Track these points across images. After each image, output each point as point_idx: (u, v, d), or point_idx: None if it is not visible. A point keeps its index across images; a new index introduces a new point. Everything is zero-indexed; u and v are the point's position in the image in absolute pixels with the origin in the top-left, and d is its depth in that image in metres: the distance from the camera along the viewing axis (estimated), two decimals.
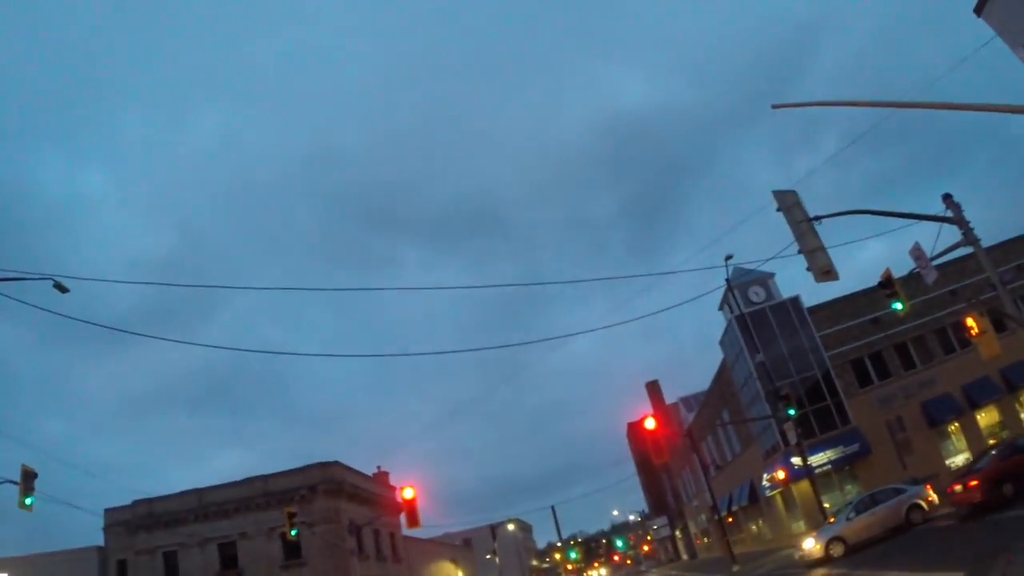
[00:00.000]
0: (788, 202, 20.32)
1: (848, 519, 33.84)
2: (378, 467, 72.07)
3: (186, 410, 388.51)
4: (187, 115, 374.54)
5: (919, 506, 33.15)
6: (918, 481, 38.11)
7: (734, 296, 52.78)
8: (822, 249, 19.71)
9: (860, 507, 34.31)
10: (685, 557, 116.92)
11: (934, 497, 33.65)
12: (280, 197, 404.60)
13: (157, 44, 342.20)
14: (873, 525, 33.43)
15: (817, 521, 42.39)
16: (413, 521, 37.48)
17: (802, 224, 19.90)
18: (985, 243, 23.01)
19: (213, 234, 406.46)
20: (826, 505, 44.96)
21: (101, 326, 23.69)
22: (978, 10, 19.33)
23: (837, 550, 32.65)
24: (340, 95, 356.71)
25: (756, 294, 55.59)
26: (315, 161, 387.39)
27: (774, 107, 20.84)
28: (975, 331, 21.61)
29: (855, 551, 32.15)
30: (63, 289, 22.53)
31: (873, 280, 42.85)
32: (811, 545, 33.73)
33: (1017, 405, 49.93)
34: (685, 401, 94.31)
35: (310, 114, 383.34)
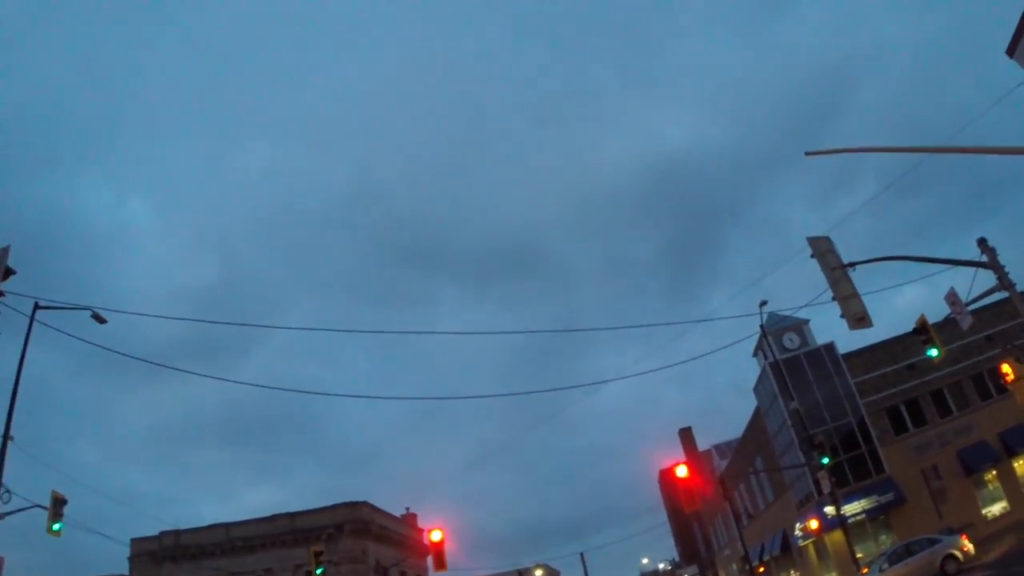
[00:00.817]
0: (822, 248, 20.24)
1: (881, 570, 33.46)
2: (407, 508, 71.90)
3: (219, 444, 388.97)
4: (233, 147, 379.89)
5: (954, 556, 32.66)
6: (953, 531, 37.53)
7: (768, 343, 52.38)
8: (856, 296, 19.57)
9: (893, 558, 33.96)
10: None
11: (969, 547, 33.16)
12: (320, 231, 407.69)
13: (205, 75, 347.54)
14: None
15: (850, 572, 41.79)
16: (440, 564, 37.25)
17: (836, 271, 19.79)
18: (1020, 287, 22.70)
19: (254, 267, 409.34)
20: (859, 555, 44.19)
21: (136, 358, 24.01)
22: (1010, 51, 19.23)
23: None
24: (383, 130, 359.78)
25: (791, 340, 55.19)
26: (356, 195, 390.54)
27: (807, 154, 20.85)
28: (1011, 377, 21.29)
29: None
30: (101, 320, 22.99)
31: (908, 326, 42.55)
32: None
33: None
34: (718, 448, 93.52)
35: (353, 148, 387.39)
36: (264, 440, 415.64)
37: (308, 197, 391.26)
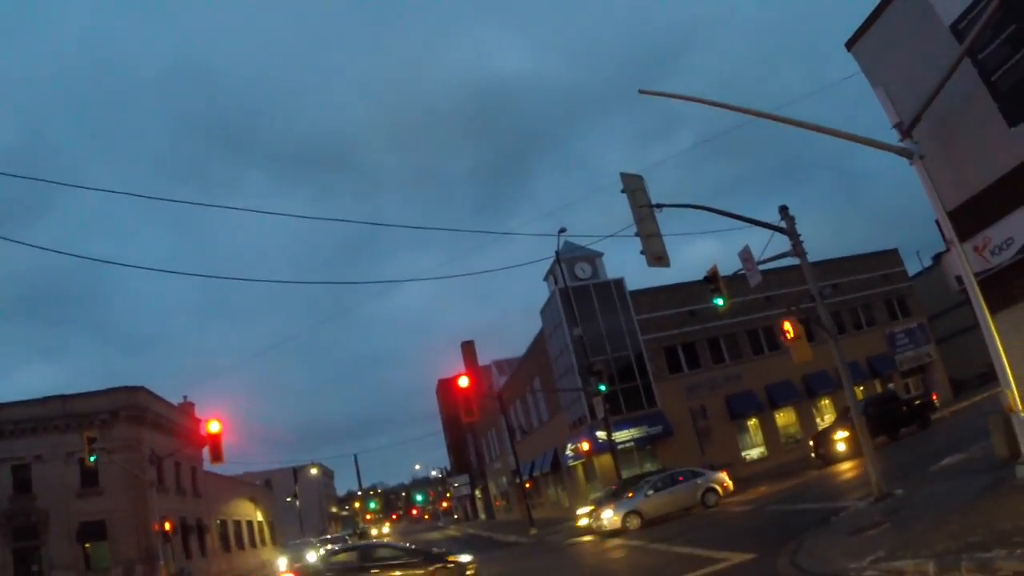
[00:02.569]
0: (633, 186, 20.98)
1: (647, 495, 35.40)
2: (184, 397, 70.06)
3: None
4: (53, 8, 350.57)
5: (714, 490, 35.26)
6: (715, 468, 40.28)
7: (561, 269, 53.72)
8: (658, 236, 20.51)
9: (659, 484, 35.92)
10: (483, 517, 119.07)
11: (729, 484, 35.85)
12: (133, 107, 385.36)
13: None
14: (670, 503, 35.29)
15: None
16: (216, 456, 36.51)
17: (643, 208, 20.62)
18: (810, 258, 24.49)
19: (56, 136, 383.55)
20: (624, 476, 46.65)
21: None
22: (849, 44, 20.42)
23: (634, 523, 34.26)
24: (215, 12, 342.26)
25: (583, 270, 57.03)
26: (175, 70, 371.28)
27: (641, 92, 21.43)
28: (790, 335, 22.98)
29: (651, 525, 33.78)
30: None
31: (695, 275, 45.05)
32: (609, 516, 35.16)
33: (814, 410, 54.35)
34: (498, 364, 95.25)
35: (180, 26, 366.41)
36: (42, 317, 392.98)
37: (124, 71, 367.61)
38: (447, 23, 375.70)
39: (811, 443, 43.89)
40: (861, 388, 53.77)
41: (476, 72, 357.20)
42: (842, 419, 41.90)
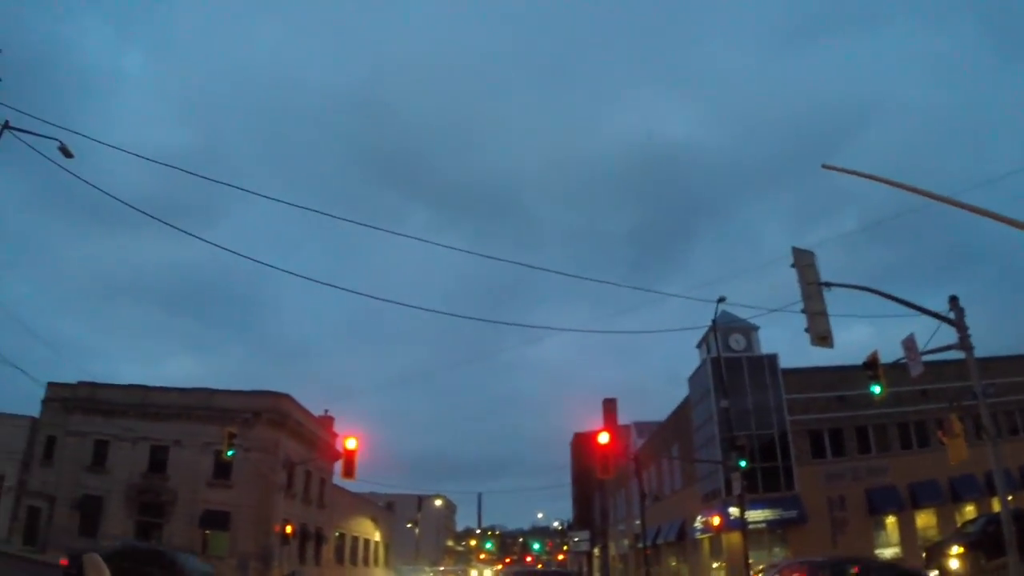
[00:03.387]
0: (805, 261, 20.40)
1: None
2: (326, 410, 71.95)
3: (154, 308, 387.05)
4: (245, 22, 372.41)
5: None
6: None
7: (716, 338, 52.71)
8: (825, 314, 19.84)
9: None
10: (597, 575, 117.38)
11: None
12: (310, 129, 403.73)
13: None
14: None
15: (739, 574, 42.51)
16: (349, 472, 37.16)
17: (812, 286, 20.00)
18: (975, 353, 23.07)
19: (232, 146, 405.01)
20: (750, 561, 44.92)
21: (110, 196, 23.09)
22: None
23: None
24: (397, 48, 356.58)
25: (737, 342, 55.83)
26: (354, 101, 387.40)
27: (824, 167, 21.00)
28: (954, 432, 21.69)
29: None
30: (68, 154, 22.16)
31: (847, 359, 43.06)
32: None
33: (956, 515, 50.43)
34: (638, 426, 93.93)
35: (365, 55, 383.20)
36: (200, 313, 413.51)
37: (307, 89, 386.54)
38: (618, 86, 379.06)
39: (923, 555, 40.60)
40: (1011, 498, 50.09)
41: (643, 136, 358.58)
42: (958, 535, 38.51)
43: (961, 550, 33.96)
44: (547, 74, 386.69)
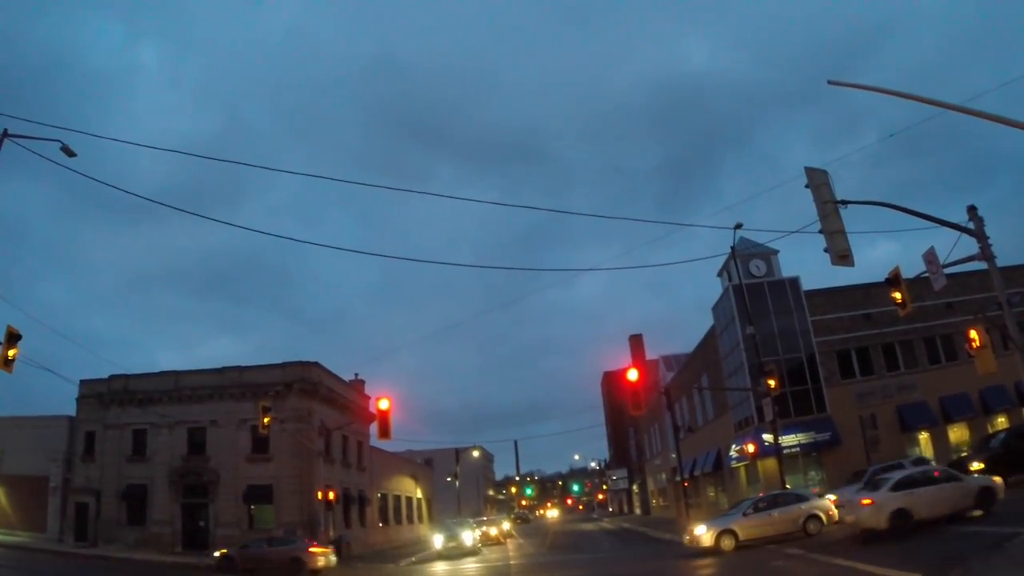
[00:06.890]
0: (818, 180, 20.29)
1: (744, 514, 32.85)
2: (356, 375, 72.52)
3: (188, 294, 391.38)
4: (258, 2, 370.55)
5: (818, 517, 32.28)
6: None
7: (736, 265, 52.50)
8: (843, 232, 19.73)
9: (759, 505, 33.27)
10: (639, 512, 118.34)
11: (834, 512, 31.98)
12: (331, 98, 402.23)
13: None
14: (767, 526, 32.43)
15: None
16: (384, 433, 37.53)
17: (828, 204, 19.91)
18: (997, 262, 22.90)
19: (258, 126, 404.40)
20: (787, 486, 44.72)
21: (127, 192, 23.25)
22: None
23: (728, 543, 31.76)
24: (414, 10, 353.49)
25: (757, 267, 55.78)
26: (373, 67, 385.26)
27: (830, 83, 20.79)
28: (977, 343, 21.64)
29: (745, 548, 31.48)
30: (70, 153, 22.26)
31: (872, 277, 42.80)
32: (702, 532, 32.74)
33: (988, 427, 50.28)
34: (666, 360, 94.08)
35: (379, 19, 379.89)
36: (233, 294, 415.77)
37: (325, 63, 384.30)
38: (636, 23, 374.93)
39: None
40: None
41: (664, 70, 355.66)
42: (980, 449, 38.29)
43: (981, 466, 33.89)
44: (564, 15, 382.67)
